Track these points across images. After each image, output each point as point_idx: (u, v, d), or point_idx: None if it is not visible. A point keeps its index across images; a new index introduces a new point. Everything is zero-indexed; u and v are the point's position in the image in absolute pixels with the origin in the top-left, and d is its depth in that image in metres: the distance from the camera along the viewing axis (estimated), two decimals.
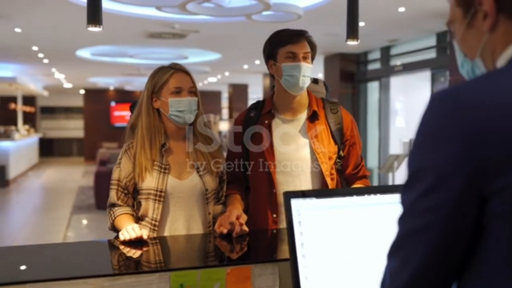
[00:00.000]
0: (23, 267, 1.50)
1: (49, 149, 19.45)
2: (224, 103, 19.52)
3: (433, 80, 7.59)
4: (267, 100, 2.17)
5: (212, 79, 14.90)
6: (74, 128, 19.99)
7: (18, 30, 7.07)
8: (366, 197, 1.38)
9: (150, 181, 1.92)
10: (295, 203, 1.31)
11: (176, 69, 1.99)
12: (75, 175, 13.73)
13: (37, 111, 19.55)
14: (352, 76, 9.54)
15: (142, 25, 6.76)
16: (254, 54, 9.72)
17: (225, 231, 1.82)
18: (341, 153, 2.11)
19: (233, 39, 7.94)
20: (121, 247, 1.69)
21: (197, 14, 5.22)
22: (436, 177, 0.72)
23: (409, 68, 8.09)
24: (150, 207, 1.93)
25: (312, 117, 2.09)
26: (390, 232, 1.29)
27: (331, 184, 2.06)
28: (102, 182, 8.44)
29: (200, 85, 17.09)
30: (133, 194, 1.98)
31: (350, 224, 1.32)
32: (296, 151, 2.07)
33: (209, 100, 17.19)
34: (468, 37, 0.83)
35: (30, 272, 1.46)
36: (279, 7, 4.98)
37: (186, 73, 2.00)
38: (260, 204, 2.07)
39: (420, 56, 7.93)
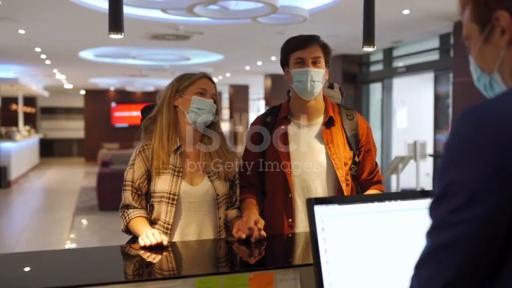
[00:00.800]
0: (45, 273, 1.51)
1: (49, 149, 19.46)
2: (225, 103, 19.54)
3: (436, 81, 7.61)
4: (283, 106, 2.18)
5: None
6: (74, 128, 19.99)
7: (22, 31, 7.08)
8: (387, 203, 1.39)
9: (163, 184, 1.94)
10: (318, 209, 1.32)
11: (204, 75, 2.09)
12: (76, 176, 13.73)
13: (37, 112, 19.55)
14: (354, 77, 9.57)
15: (146, 26, 6.77)
16: (257, 55, 9.74)
17: (243, 236, 1.82)
18: (356, 159, 2.12)
19: (236, 40, 7.96)
20: (141, 252, 1.69)
21: (204, 17, 5.22)
22: (469, 192, 0.73)
23: (412, 69, 8.11)
24: (162, 210, 1.94)
25: (328, 123, 2.10)
26: (411, 237, 1.31)
27: (346, 189, 2.07)
28: (105, 183, 8.44)
29: None
30: (145, 197, 2.00)
31: (373, 230, 1.33)
32: (311, 157, 2.08)
33: None
34: (485, 53, 0.85)
35: (54, 278, 1.47)
36: (285, 9, 5.00)
37: (212, 82, 2.09)
38: (276, 209, 2.08)
39: (423, 57, 7.95)
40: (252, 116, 20.64)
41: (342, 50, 8.94)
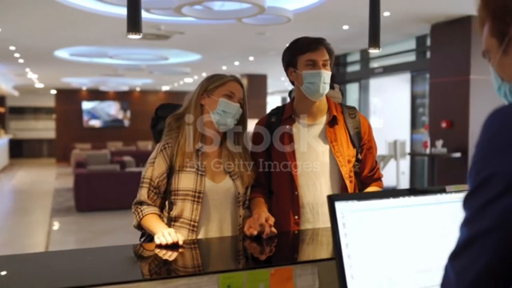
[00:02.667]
0: (74, 272, 1.51)
1: (18, 150, 19.00)
2: None
3: (413, 82, 7.79)
4: (287, 106, 2.22)
5: (188, 80, 14.85)
6: (44, 128, 19.58)
7: None
8: (401, 199, 1.46)
9: (187, 182, 1.96)
10: (339, 205, 1.37)
11: (235, 79, 2.10)
12: (48, 177, 13.46)
13: (6, 112, 19.06)
14: (332, 77, 9.67)
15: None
16: (234, 56, 9.75)
17: (255, 232, 1.86)
18: (359, 156, 2.18)
19: (216, 40, 7.96)
20: (157, 250, 1.71)
21: (191, 17, 5.22)
22: (506, 183, 0.78)
23: (389, 70, 8.28)
24: (187, 208, 1.96)
25: (332, 122, 2.16)
26: (427, 231, 1.38)
27: (350, 186, 2.13)
28: (82, 184, 8.31)
29: (175, 86, 17.00)
30: (164, 195, 2.01)
31: (391, 225, 1.40)
32: (316, 155, 2.13)
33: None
34: (504, 63, 0.92)
35: (83, 277, 1.47)
36: (270, 10, 5.04)
37: (242, 87, 2.10)
38: (283, 207, 2.12)
39: (399, 58, 8.13)
40: None
41: None
